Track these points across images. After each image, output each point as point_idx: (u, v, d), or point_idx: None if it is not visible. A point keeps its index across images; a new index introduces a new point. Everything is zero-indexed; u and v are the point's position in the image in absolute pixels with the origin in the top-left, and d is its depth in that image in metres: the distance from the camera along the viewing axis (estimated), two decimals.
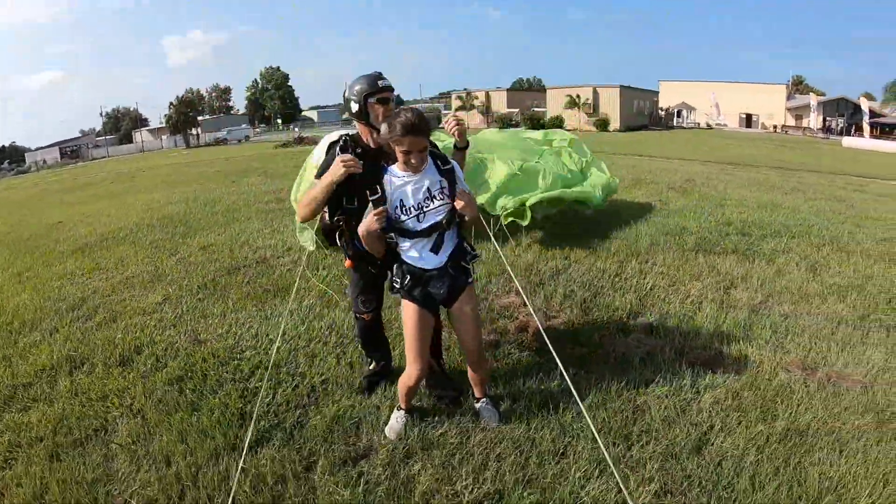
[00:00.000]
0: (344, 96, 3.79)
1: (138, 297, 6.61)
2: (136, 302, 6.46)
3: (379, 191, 3.38)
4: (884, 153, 44.60)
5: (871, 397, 4.25)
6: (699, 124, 74.14)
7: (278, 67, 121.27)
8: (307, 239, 7.19)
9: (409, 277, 3.52)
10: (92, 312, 6.27)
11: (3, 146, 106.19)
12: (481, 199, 7.57)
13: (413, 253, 3.51)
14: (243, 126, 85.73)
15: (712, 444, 3.71)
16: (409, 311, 3.56)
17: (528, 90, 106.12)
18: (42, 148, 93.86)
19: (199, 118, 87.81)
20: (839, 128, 68.74)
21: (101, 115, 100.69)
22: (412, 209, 3.40)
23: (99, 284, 7.33)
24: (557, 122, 61.83)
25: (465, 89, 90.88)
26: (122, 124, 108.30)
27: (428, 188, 3.40)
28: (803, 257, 7.94)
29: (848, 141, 53.98)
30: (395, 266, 3.60)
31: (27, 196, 26.18)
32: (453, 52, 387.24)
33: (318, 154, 8.82)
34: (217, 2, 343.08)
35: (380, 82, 3.69)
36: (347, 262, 4.06)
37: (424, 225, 3.43)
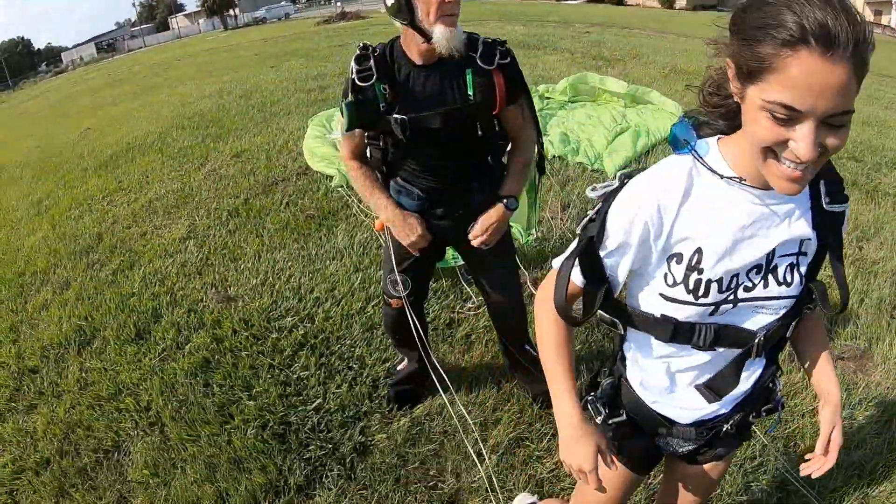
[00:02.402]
0: None
1: (160, 230, 5.54)
2: (158, 237, 5.39)
3: None
4: None
5: None
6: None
7: None
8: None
9: (626, 416, 1.62)
10: (108, 255, 5.25)
11: (39, 49, 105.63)
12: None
13: (657, 377, 1.53)
14: (283, 3, 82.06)
15: None
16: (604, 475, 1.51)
17: None
18: (78, 45, 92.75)
19: None
20: None
21: (133, 4, 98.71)
22: (714, 283, 1.31)
23: (119, 212, 6.28)
24: None
25: None
26: (157, 12, 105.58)
27: (774, 251, 1.31)
28: None
29: None
30: (603, 375, 1.68)
31: (60, 98, 25.06)
32: None
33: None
34: None
35: None
36: (378, 224, 2.80)
37: (721, 321, 1.37)
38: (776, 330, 1.39)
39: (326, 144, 6.85)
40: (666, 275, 1.33)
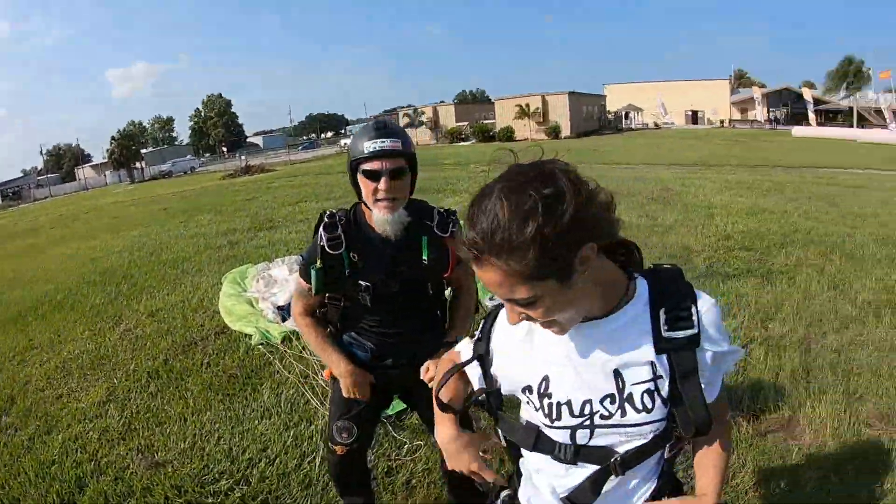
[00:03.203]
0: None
1: (77, 392, 5.44)
2: (75, 399, 5.29)
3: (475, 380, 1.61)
4: (834, 140, 45.12)
5: None
6: (647, 125, 74.41)
7: (220, 94, 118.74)
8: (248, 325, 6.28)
9: None
10: (23, 419, 5.10)
11: None
12: None
13: (545, 497, 1.58)
14: (188, 157, 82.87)
15: None
16: None
17: (474, 102, 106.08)
18: None
19: (143, 151, 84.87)
20: (784, 117, 69.86)
21: (41, 153, 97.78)
22: (565, 406, 1.42)
23: (32, 372, 6.14)
24: (508, 133, 61.33)
25: (409, 105, 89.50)
26: (64, 161, 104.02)
27: (622, 379, 1.38)
28: (819, 271, 7.72)
29: (798, 130, 54.22)
30: (515, 480, 1.73)
31: None
32: (396, 69, 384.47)
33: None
34: (160, 31, 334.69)
35: (368, 144, 2.39)
36: (327, 372, 2.89)
37: (582, 441, 1.44)
38: (641, 451, 1.42)
39: (242, 302, 7.01)
40: (528, 401, 1.49)
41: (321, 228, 2.53)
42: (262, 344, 5.84)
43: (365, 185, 2.42)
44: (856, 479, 3.50)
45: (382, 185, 2.38)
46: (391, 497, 3.61)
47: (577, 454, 1.44)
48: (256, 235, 12.14)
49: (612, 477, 1.45)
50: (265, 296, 7.00)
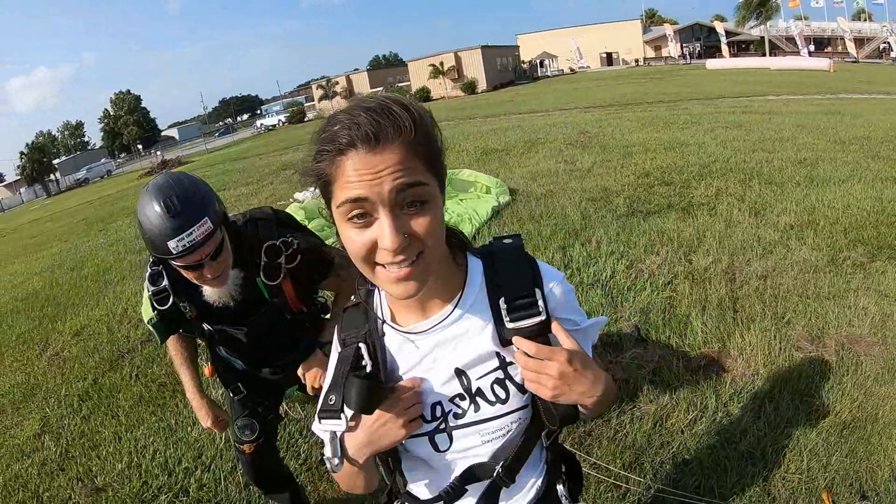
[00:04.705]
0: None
1: (12, 428, 5.18)
2: (11, 437, 5.03)
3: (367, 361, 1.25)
4: (748, 69, 45.95)
5: (891, 359, 3.93)
6: (563, 71, 74.66)
7: (128, 91, 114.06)
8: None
9: None
10: None
11: None
12: None
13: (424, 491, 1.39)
14: (103, 160, 79.83)
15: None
16: None
17: (388, 66, 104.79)
18: None
19: (55, 161, 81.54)
20: (697, 52, 71.04)
21: None
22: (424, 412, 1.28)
23: None
24: (424, 94, 60.95)
25: (323, 77, 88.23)
26: None
27: (466, 377, 1.24)
28: (739, 199, 7.80)
29: (712, 63, 55.12)
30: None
31: None
32: (305, 44, 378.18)
33: None
34: (57, 33, 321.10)
35: (174, 244, 1.93)
36: (207, 369, 2.77)
37: (449, 452, 1.30)
38: (518, 455, 1.29)
39: None
40: None
41: (146, 279, 2.27)
42: None
43: (184, 274, 2.11)
44: (790, 404, 3.56)
45: (208, 273, 2.07)
46: (328, 486, 3.55)
47: (464, 480, 1.32)
48: None
49: (503, 490, 1.34)
50: None
